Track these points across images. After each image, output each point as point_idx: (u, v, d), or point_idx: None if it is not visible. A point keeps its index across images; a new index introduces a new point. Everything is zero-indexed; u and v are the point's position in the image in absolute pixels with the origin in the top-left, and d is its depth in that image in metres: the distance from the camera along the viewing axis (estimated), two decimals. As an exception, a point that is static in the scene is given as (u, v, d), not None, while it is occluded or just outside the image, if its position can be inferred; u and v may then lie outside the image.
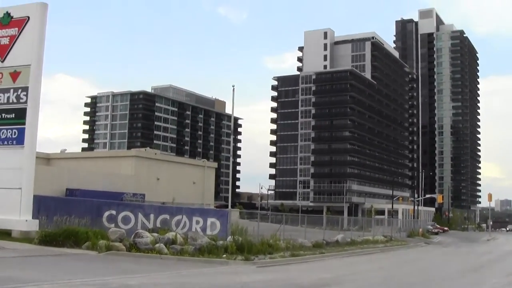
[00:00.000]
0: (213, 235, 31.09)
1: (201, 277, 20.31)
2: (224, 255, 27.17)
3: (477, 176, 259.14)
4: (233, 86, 44.31)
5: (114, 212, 31.95)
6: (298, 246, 35.85)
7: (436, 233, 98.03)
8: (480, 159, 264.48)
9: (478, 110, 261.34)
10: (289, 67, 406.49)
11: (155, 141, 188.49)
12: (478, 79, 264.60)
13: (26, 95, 29.36)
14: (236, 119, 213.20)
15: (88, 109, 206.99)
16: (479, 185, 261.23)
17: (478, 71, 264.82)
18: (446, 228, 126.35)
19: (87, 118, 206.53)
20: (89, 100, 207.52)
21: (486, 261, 37.19)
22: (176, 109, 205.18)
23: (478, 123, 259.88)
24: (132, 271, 19.88)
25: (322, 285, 19.08)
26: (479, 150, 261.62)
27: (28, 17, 30.01)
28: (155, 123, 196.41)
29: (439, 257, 41.01)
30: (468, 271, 28.47)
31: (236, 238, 29.89)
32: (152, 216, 32.50)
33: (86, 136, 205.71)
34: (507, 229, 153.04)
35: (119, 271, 19.85)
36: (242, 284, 18.27)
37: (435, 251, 50.42)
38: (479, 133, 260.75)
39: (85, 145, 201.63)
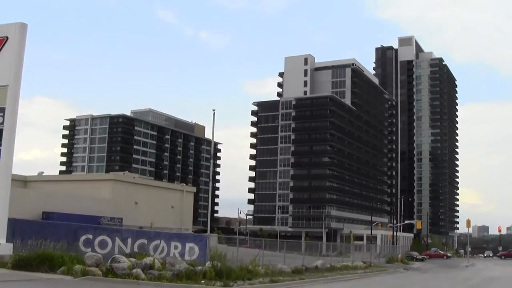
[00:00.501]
0: (192, 260, 30.58)
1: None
2: (203, 281, 26.69)
3: (455, 202, 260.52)
4: (213, 110, 43.88)
5: (91, 236, 31.26)
6: (278, 271, 35.40)
7: (422, 260, 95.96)
8: (458, 185, 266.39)
9: (457, 137, 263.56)
10: (270, 93, 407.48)
11: (133, 165, 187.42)
12: (456, 106, 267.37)
13: (3, 116, 28.74)
14: (215, 143, 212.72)
15: (66, 132, 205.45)
16: (457, 211, 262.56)
17: (456, 98, 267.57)
18: (449, 254, 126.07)
19: (66, 141, 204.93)
20: (68, 123, 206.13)
21: (468, 287, 36.96)
22: (155, 133, 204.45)
23: (456, 149, 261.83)
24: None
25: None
26: (457, 177, 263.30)
27: (7, 37, 29.50)
28: (134, 146, 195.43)
29: (420, 284, 40.72)
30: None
31: (215, 263, 29.39)
32: (129, 240, 31.87)
33: (64, 159, 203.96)
34: (485, 255, 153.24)
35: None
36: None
37: (415, 277, 50.12)
38: (457, 159, 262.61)
39: (63, 168, 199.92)
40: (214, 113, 44.06)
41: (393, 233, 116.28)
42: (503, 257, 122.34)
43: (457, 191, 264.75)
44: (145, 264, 26.94)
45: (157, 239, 32.68)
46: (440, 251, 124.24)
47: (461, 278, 49.19)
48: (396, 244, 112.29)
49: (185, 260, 29.91)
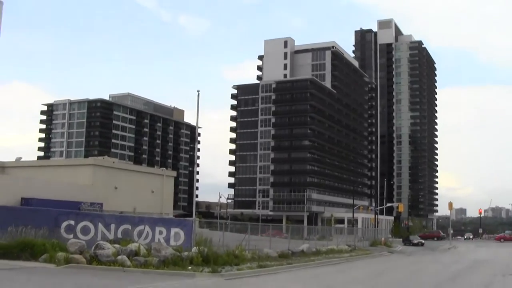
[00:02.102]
0: (177, 246, 29.85)
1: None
2: (190, 267, 26.01)
3: (434, 185, 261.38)
4: (198, 91, 42.55)
5: (72, 222, 30.32)
6: (264, 256, 34.90)
7: (418, 244, 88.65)
8: (437, 168, 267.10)
9: (436, 120, 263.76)
10: (249, 77, 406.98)
11: (112, 150, 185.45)
12: (436, 90, 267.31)
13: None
14: (195, 127, 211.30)
15: (44, 117, 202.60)
16: (436, 194, 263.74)
17: (436, 81, 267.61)
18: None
19: (43, 126, 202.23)
20: (45, 108, 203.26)
21: (458, 271, 36.48)
22: (134, 118, 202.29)
23: (435, 133, 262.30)
24: (96, 286, 18.51)
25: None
26: (436, 160, 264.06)
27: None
28: (113, 131, 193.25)
29: (409, 268, 40.23)
30: (444, 281, 27.66)
31: (202, 249, 28.69)
32: (113, 226, 31.01)
33: (42, 144, 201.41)
34: (465, 237, 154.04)
35: (82, 286, 18.39)
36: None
37: (401, 260, 49.74)
38: (436, 143, 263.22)
39: (41, 153, 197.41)
40: (198, 94, 42.78)
41: (375, 216, 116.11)
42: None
43: (436, 174, 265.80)
44: (130, 251, 26.11)
45: (141, 224, 31.88)
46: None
47: (447, 261, 48.85)
48: (377, 227, 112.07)
49: (171, 246, 29.19)
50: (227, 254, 30.29)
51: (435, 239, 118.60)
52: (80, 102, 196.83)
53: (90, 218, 31.95)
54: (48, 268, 23.31)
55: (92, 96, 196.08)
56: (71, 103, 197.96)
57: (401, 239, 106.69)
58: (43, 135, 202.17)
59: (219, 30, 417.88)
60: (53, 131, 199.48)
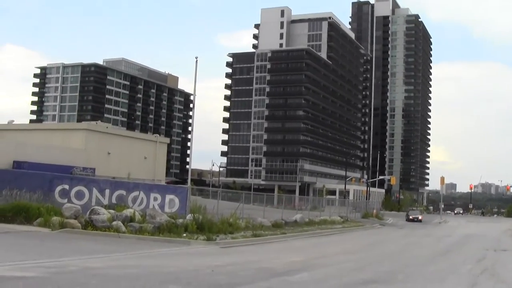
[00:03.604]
0: (172, 212, 29.79)
1: (166, 259, 18.87)
2: (185, 234, 25.96)
3: (426, 159, 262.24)
4: (196, 57, 42.13)
5: (67, 187, 30.10)
6: (258, 225, 34.94)
7: (414, 220, 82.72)
8: (429, 142, 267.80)
9: (430, 95, 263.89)
10: (245, 45, 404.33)
11: (105, 115, 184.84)
12: (430, 64, 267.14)
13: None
14: (189, 95, 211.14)
15: (37, 80, 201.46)
16: (428, 168, 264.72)
17: (431, 55, 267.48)
18: None
19: (36, 89, 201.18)
20: (38, 71, 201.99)
21: (450, 245, 36.65)
22: (128, 83, 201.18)
23: (429, 107, 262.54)
24: (91, 251, 18.38)
25: (296, 270, 17.83)
26: (429, 134, 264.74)
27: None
28: (106, 96, 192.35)
29: (401, 240, 40.33)
30: (438, 255, 27.71)
31: (196, 216, 28.61)
32: (107, 191, 30.84)
33: (34, 108, 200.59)
34: (455, 212, 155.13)
35: (77, 251, 18.32)
36: (213, 268, 16.90)
37: (393, 233, 49.93)
38: (429, 117, 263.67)
39: (34, 117, 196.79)
40: (196, 61, 42.36)
41: (367, 188, 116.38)
42: None
43: (428, 148, 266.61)
44: (125, 217, 26.00)
45: (136, 190, 31.73)
46: None
47: (439, 235, 49.08)
48: (369, 199, 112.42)
49: (165, 213, 29.16)
50: (222, 222, 30.24)
51: None
52: (73, 66, 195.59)
53: (85, 183, 31.74)
54: (43, 232, 23.19)
55: (86, 60, 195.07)
56: (65, 66, 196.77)
57: (391, 212, 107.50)
58: (35, 99, 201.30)
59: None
60: (46, 94, 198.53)
